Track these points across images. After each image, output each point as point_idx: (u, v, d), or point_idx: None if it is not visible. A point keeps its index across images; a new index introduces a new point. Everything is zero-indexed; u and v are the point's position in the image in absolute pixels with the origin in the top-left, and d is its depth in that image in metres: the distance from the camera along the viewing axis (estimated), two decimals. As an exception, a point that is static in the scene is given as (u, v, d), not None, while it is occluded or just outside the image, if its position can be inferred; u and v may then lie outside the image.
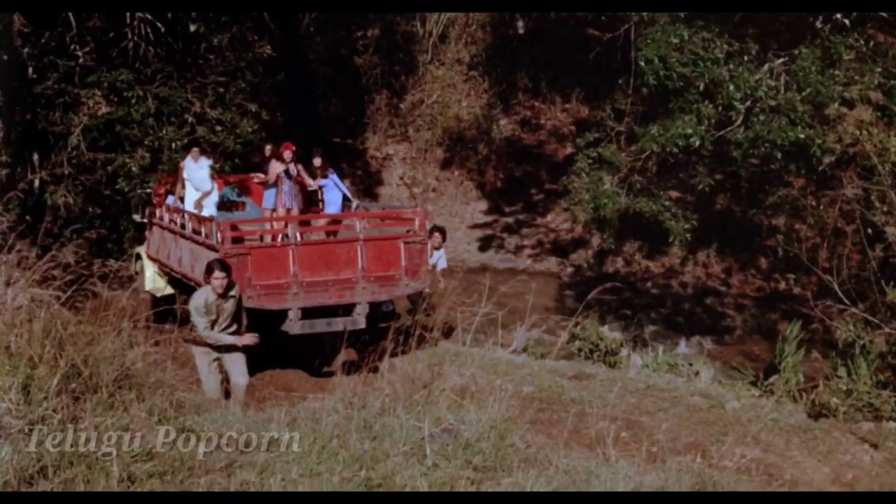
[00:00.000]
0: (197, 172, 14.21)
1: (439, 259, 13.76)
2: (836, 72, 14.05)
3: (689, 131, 14.66)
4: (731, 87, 14.38)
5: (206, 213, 13.88)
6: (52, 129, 17.20)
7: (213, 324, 9.44)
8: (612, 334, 14.41)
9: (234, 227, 12.05)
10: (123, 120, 17.43)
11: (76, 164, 17.40)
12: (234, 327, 9.65)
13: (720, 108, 14.62)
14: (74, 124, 17.17)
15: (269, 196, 14.56)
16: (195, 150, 14.53)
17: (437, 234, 13.71)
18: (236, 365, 9.65)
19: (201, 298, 9.37)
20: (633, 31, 17.76)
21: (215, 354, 9.60)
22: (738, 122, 14.77)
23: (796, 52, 14.75)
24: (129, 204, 16.83)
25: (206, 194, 14.22)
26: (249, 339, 9.57)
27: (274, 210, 14.33)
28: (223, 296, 9.38)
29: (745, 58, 14.99)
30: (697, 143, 14.74)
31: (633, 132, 16.91)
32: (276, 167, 14.29)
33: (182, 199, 14.26)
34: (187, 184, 14.21)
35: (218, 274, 9.29)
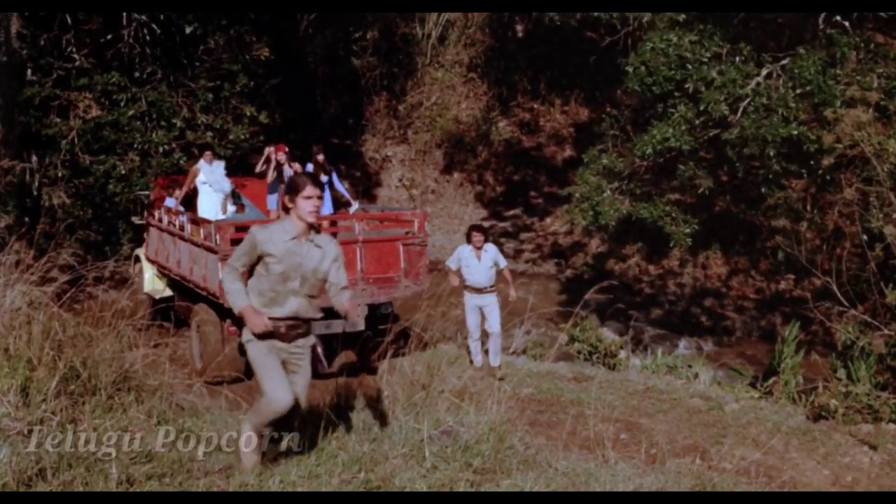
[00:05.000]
0: (212, 175, 14.26)
1: (495, 258, 11.94)
2: (838, 71, 14.06)
3: (669, 134, 14.69)
4: (713, 89, 14.39)
5: (230, 210, 14.07)
6: (45, 131, 17.21)
7: (279, 286, 5.78)
8: (611, 336, 14.42)
9: (243, 229, 12.12)
10: (113, 123, 17.45)
11: (70, 167, 17.43)
12: (315, 303, 5.93)
13: (702, 110, 14.62)
14: (67, 127, 17.20)
15: (273, 199, 14.63)
16: (208, 153, 14.73)
17: (475, 234, 11.96)
18: (299, 373, 5.93)
19: (264, 233, 5.81)
20: (633, 34, 17.79)
21: (278, 344, 5.80)
22: (730, 121, 14.78)
23: (795, 52, 14.75)
24: (127, 206, 16.86)
25: (228, 196, 14.33)
26: (259, 322, 5.66)
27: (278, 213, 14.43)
28: (311, 231, 5.86)
29: (737, 59, 15.01)
30: (679, 146, 14.75)
31: (630, 138, 16.94)
32: (286, 169, 14.44)
33: (182, 202, 14.26)
34: (203, 188, 14.22)
35: (310, 191, 5.77)
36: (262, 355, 5.76)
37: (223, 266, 6.04)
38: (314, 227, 5.87)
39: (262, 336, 5.73)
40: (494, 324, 11.75)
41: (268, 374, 5.72)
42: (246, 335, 5.84)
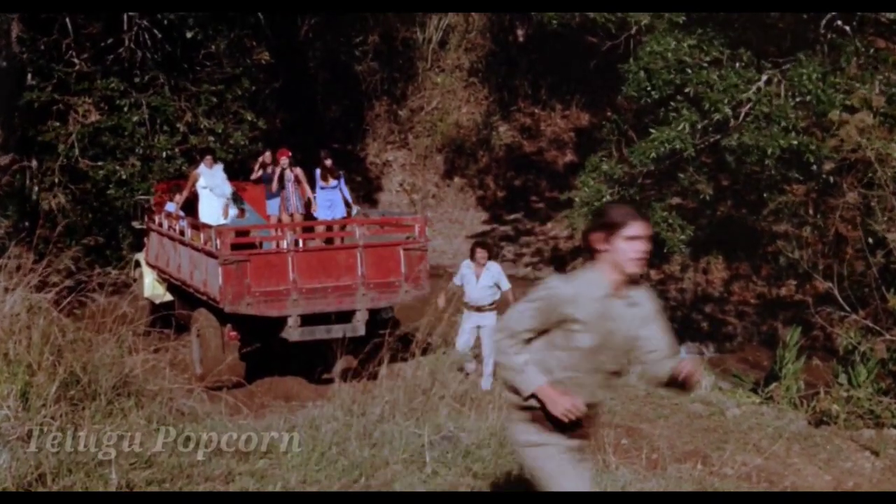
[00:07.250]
0: (213, 179, 14.28)
1: (497, 278, 11.27)
2: (837, 79, 14.05)
3: (674, 136, 14.67)
4: (717, 92, 14.37)
5: (231, 215, 14.07)
6: (43, 137, 17.19)
7: (583, 364, 4.04)
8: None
9: (244, 234, 12.16)
10: (114, 128, 17.44)
11: (69, 172, 17.41)
12: (614, 381, 4.25)
13: (706, 114, 14.59)
14: (66, 132, 17.19)
15: (273, 204, 14.63)
16: (208, 157, 14.75)
17: (479, 250, 11.40)
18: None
19: (568, 288, 4.07)
20: (633, 38, 17.78)
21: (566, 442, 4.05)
22: (731, 127, 14.77)
23: (795, 58, 14.74)
24: (128, 211, 16.84)
25: (230, 200, 14.36)
26: (568, 403, 3.92)
27: (279, 216, 14.45)
28: (630, 285, 4.22)
29: (738, 64, 14.99)
30: (683, 149, 14.73)
31: (631, 143, 16.93)
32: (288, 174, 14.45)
33: (182, 207, 14.25)
34: (203, 192, 14.21)
35: (637, 229, 4.17)
36: (549, 457, 3.97)
37: (495, 334, 4.20)
38: (633, 280, 4.12)
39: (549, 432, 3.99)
40: (488, 349, 10.82)
41: (565, 477, 3.96)
42: (523, 434, 4.05)
